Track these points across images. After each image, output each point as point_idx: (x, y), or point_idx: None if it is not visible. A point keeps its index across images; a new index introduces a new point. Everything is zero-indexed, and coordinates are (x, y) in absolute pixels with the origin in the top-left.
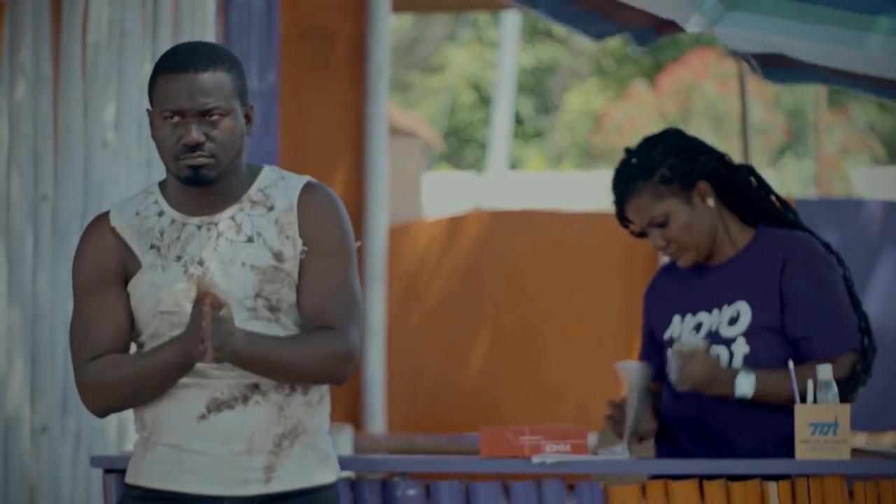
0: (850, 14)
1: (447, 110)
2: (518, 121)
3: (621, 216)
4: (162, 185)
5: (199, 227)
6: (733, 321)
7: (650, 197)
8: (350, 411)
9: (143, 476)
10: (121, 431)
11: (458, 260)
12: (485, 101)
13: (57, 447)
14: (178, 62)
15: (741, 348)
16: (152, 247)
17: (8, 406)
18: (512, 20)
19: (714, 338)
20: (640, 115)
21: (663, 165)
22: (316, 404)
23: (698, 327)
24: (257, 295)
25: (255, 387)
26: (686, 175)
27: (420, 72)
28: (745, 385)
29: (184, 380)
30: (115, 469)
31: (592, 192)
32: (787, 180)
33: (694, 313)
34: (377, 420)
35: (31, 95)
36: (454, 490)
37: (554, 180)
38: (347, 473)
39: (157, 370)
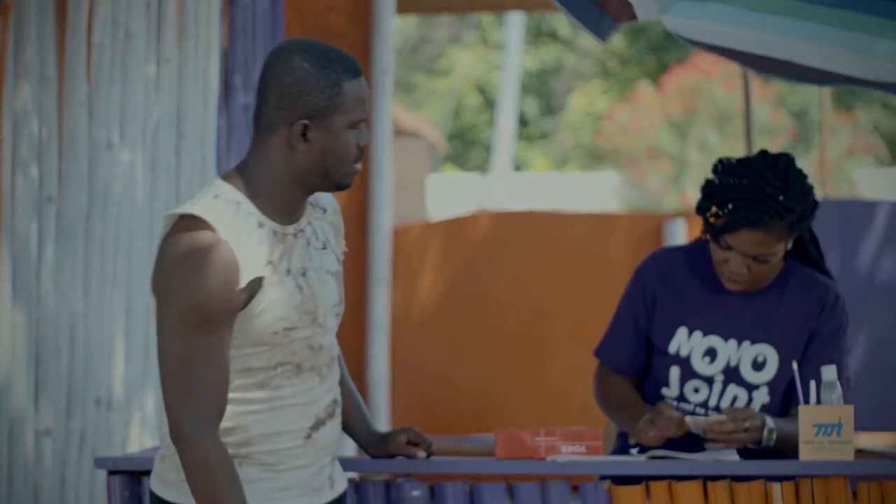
0: (807, 4)
1: (452, 112)
2: (522, 122)
3: (720, 231)
4: (247, 194)
5: (295, 237)
6: (759, 366)
7: (775, 236)
8: None
9: None
10: (125, 433)
11: (462, 261)
12: (489, 102)
13: (61, 449)
14: (356, 66)
15: (762, 397)
16: (268, 263)
17: (12, 407)
18: (516, 22)
19: (733, 374)
20: (644, 116)
21: (796, 212)
22: None
23: (711, 354)
24: (340, 300)
25: (335, 400)
26: (805, 228)
27: (425, 73)
28: (769, 440)
29: (292, 400)
30: (119, 470)
31: (597, 193)
32: None
33: (705, 333)
34: (381, 421)
35: (36, 97)
36: (458, 491)
37: (558, 182)
38: (352, 474)
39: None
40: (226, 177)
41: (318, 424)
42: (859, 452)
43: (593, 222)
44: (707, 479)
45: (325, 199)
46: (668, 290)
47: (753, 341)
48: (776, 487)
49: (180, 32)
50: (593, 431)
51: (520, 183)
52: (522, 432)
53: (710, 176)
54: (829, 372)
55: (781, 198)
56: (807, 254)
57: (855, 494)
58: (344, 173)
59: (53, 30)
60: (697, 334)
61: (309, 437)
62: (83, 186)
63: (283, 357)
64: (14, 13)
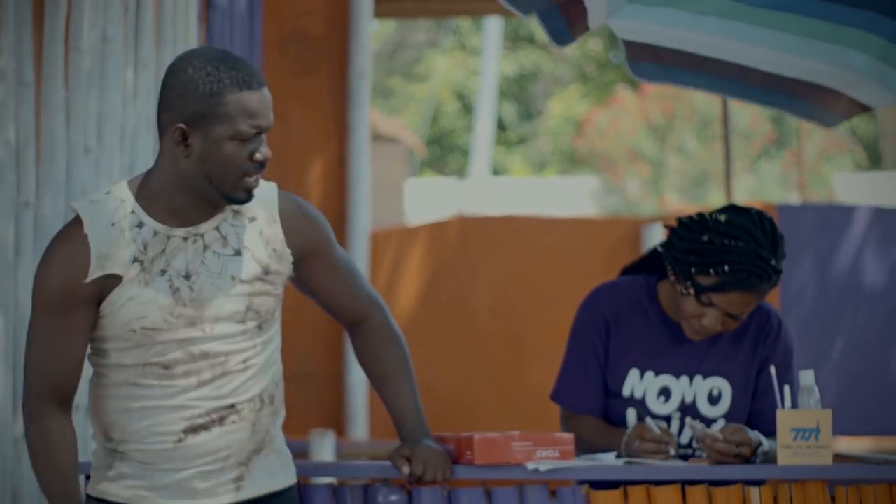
0: (753, 9)
1: (430, 116)
2: (501, 127)
3: (709, 290)
4: (136, 193)
5: (185, 239)
6: (714, 400)
7: (760, 296)
8: (332, 417)
9: (110, 492)
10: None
11: (440, 266)
12: (467, 107)
13: None
14: (250, 79)
15: None
16: (135, 260)
17: None
18: (494, 26)
19: (689, 410)
20: (623, 120)
21: (781, 273)
22: (279, 411)
23: (665, 393)
24: (248, 308)
25: (232, 406)
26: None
27: (403, 78)
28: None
29: (163, 402)
30: None
31: (575, 197)
32: (767, 185)
33: (657, 373)
34: (359, 426)
35: (14, 101)
36: (436, 496)
37: (536, 186)
38: (330, 479)
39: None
40: (132, 178)
41: (194, 429)
42: (837, 457)
43: (572, 227)
44: (685, 483)
45: (265, 209)
46: (617, 328)
47: (705, 375)
48: (754, 492)
49: (158, 37)
50: (566, 436)
51: (498, 187)
52: (499, 438)
53: (696, 234)
54: (807, 376)
55: (773, 262)
56: None
57: (833, 499)
58: (231, 185)
59: (31, 34)
60: (649, 374)
61: (181, 441)
62: (61, 191)
63: (151, 357)
64: None
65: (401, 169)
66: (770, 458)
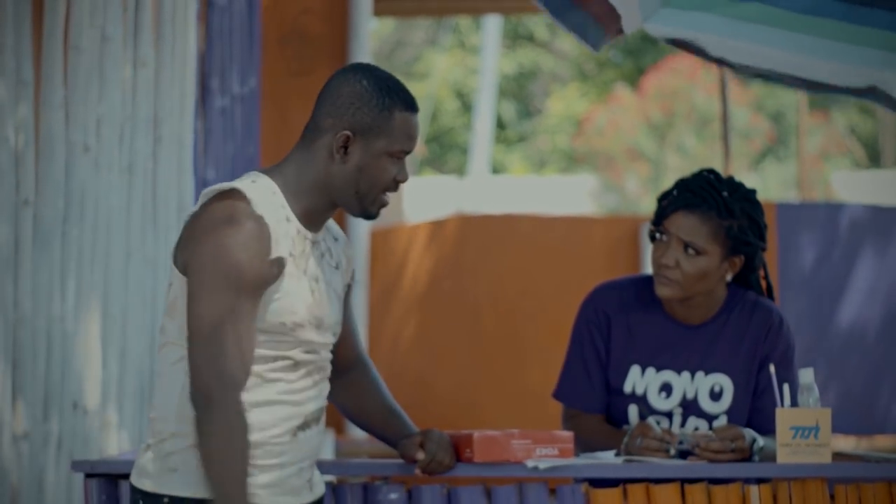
0: (787, 13)
1: (429, 115)
2: (500, 125)
3: (660, 217)
4: (282, 187)
5: (314, 244)
6: (716, 396)
7: (707, 229)
8: (332, 416)
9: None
10: (102, 437)
11: (439, 264)
12: (467, 106)
13: (38, 452)
14: (414, 102)
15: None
16: (290, 254)
17: None
18: (493, 25)
19: (692, 407)
20: (622, 118)
21: (737, 220)
22: None
23: (667, 389)
24: (339, 321)
25: (322, 409)
26: (742, 246)
27: (402, 76)
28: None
29: (284, 397)
30: (96, 473)
31: (574, 196)
32: (768, 184)
33: (658, 370)
34: None
35: (13, 100)
36: (436, 494)
37: (536, 185)
38: (330, 477)
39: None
40: (265, 170)
41: (305, 425)
42: (837, 455)
43: (571, 225)
44: (684, 481)
45: (339, 231)
46: (618, 326)
47: (707, 372)
48: (753, 490)
49: (157, 36)
50: (565, 434)
51: (497, 186)
52: (499, 436)
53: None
54: (806, 375)
55: (725, 193)
56: (749, 282)
57: (832, 497)
58: (373, 199)
59: (30, 33)
60: (650, 371)
61: (296, 435)
62: (60, 190)
63: (285, 350)
64: None
65: None
66: (768, 456)
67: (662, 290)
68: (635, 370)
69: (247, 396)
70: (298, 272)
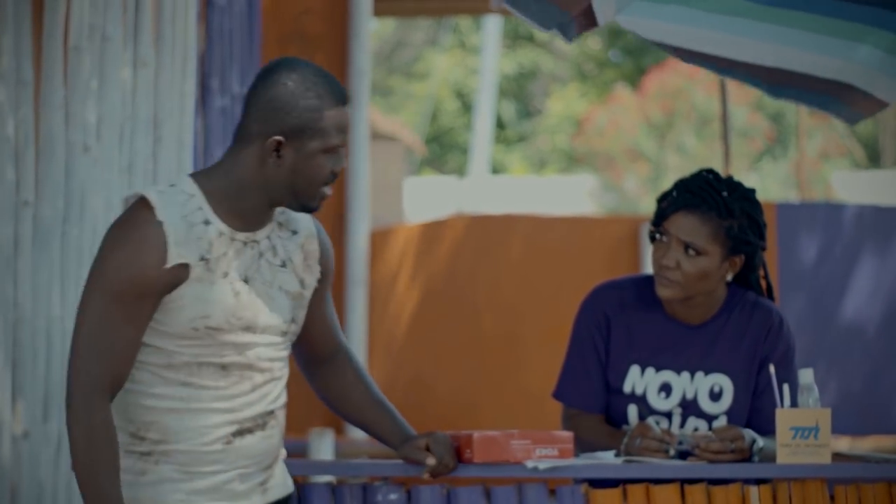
0: (760, 6)
1: (429, 115)
2: (500, 126)
3: (662, 217)
4: (203, 190)
5: (245, 244)
6: (716, 396)
7: (707, 230)
8: (331, 416)
9: (145, 497)
10: None
11: (439, 265)
12: (467, 106)
13: (38, 453)
14: (343, 95)
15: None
16: (202, 259)
17: None
18: (493, 25)
19: (691, 407)
20: (622, 118)
21: (737, 219)
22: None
23: (666, 389)
24: (291, 320)
25: (271, 413)
26: (742, 245)
27: (402, 76)
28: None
29: (214, 404)
30: None
31: (574, 196)
32: (767, 183)
33: (658, 370)
34: None
35: (12, 100)
36: (435, 494)
37: (536, 185)
38: (329, 478)
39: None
40: (194, 173)
41: (243, 431)
42: (837, 456)
43: (571, 225)
44: (684, 482)
45: (303, 223)
46: (618, 326)
47: (707, 372)
48: (753, 490)
49: (157, 36)
50: (564, 434)
51: (497, 186)
52: (498, 436)
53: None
54: (806, 375)
55: (724, 193)
56: (749, 282)
57: (832, 497)
58: (311, 196)
59: (30, 33)
60: (650, 371)
61: (230, 443)
62: (60, 190)
63: (208, 356)
64: None
65: (400, 167)
66: (768, 457)
67: (663, 291)
68: (635, 370)
69: (166, 403)
70: (213, 275)
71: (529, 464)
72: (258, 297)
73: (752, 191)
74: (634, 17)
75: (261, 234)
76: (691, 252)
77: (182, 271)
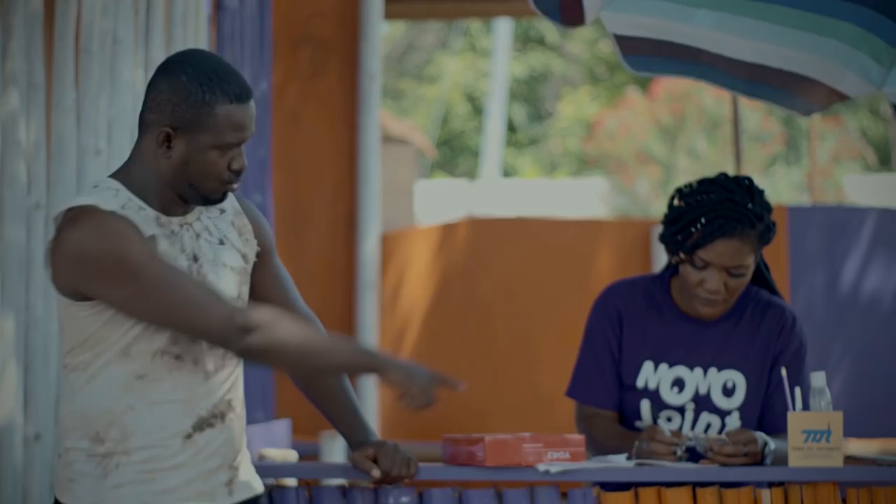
0: (750, 1)
1: (440, 118)
2: (511, 129)
3: (695, 248)
4: (127, 184)
5: (182, 227)
6: (729, 392)
7: (749, 246)
8: None
9: (110, 501)
10: None
11: (450, 267)
12: (478, 109)
13: (50, 455)
14: (241, 92)
15: (734, 423)
16: (156, 237)
17: (1, 414)
18: (504, 28)
19: (704, 402)
20: (633, 121)
21: (764, 221)
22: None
23: (679, 384)
24: (238, 296)
25: (229, 403)
26: (768, 236)
27: (413, 80)
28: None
29: (172, 396)
30: None
31: (585, 199)
32: (779, 187)
33: (671, 365)
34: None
35: (24, 104)
36: (447, 497)
37: (547, 188)
38: (340, 481)
39: (338, 361)
40: (112, 174)
41: (201, 425)
42: (848, 459)
43: (582, 228)
44: (696, 485)
45: (227, 202)
46: (631, 323)
47: (720, 368)
48: (765, 493)
49: (168, 38)
50: (576, 437)
51: (508, 189)
52: (510, 440)
53: (672, 203)
54: (818, 378)
55: (750, 206)
56: (762, 278)
57: (844, 500)
58: (210, 189)
59: (41, 36)
60: (663, 366)
61: (190, 437)
62: (72, 193)
63: (163, 344)
64: (1, 20)
65: (411, 170)
66: (780, 459)
67: (708, 310)
68: (648, 366)
69: (123, 400)
70: (174, 250)
71: (541, 467)
72: (208, 275)
73: (761, 188)
74: (616, 13)
75: (191, 217)
76: (735, 273)
77: (153, 244)
